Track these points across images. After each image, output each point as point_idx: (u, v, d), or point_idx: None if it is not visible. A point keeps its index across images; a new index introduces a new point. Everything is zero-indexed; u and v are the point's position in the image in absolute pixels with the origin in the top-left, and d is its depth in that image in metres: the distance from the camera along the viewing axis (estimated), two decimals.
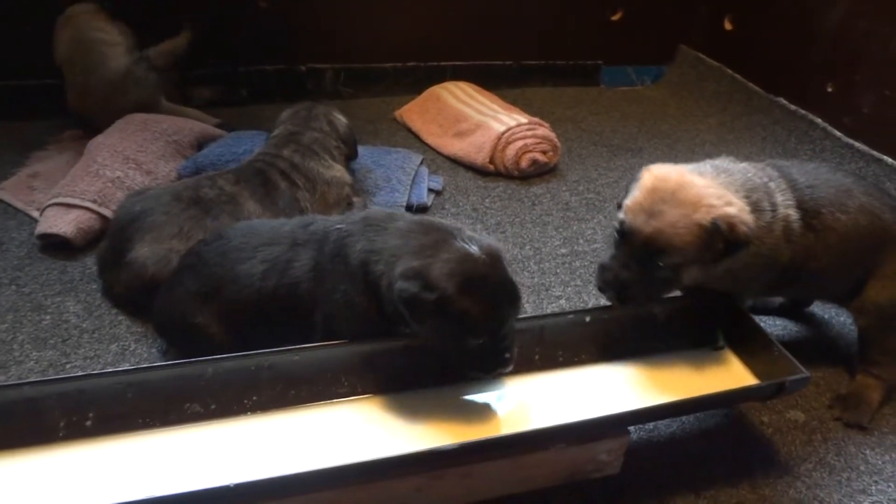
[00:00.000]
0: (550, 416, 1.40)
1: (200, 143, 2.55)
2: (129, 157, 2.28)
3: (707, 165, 1.58)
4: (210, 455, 1.29)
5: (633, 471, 1.45)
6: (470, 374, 1.39)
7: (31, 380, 1.43)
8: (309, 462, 1.20)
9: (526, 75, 3.58)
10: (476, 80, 3.25)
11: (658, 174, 1.49)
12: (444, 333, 1.31)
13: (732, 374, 1.55)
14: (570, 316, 1.58)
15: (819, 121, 2.96)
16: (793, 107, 3.10)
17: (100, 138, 2.36)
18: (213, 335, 1.56)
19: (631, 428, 1.44)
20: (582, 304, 2.00)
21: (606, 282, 1.49)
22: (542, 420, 1.38)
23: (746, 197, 1.50)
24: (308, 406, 1.41)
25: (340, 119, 2.27)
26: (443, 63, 3.44)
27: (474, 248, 1.30)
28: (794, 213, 1.56)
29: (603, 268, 1.50)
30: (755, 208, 1.50)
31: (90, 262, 2.01)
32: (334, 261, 1.43)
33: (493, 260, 1.31)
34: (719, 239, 1.42)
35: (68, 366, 1.69)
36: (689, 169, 1.54)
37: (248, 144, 2.38)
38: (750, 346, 1.57)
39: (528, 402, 1.45)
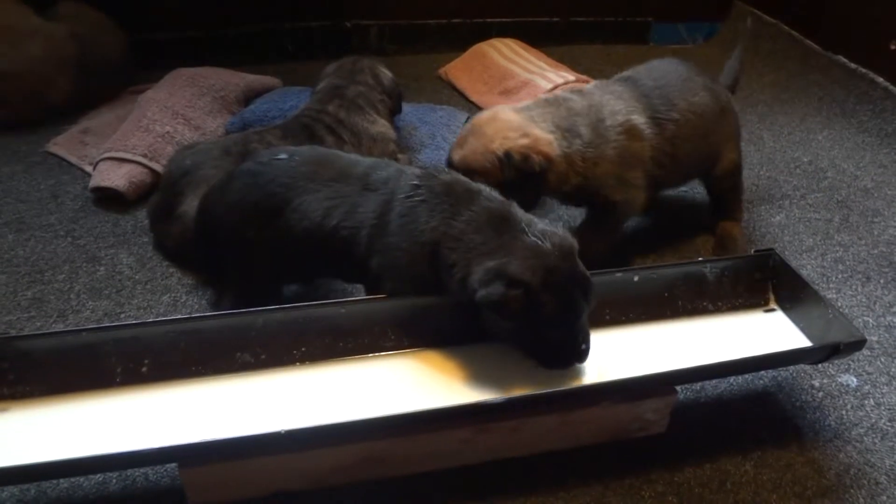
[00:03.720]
0: (597, 373, 1.39)
1: (247, 99, 2.56)
2: (178, 112, 2.30)
3: (533, 101, 1.83)
4: (260, 403, 1.32)
5: (680, 430, 1.44)
6: (546, 369, 1.37)
7: (90, 326, 1.47)
8: (356, 412, 1.22)
9: (573, 32, 3.50)
10: (522, 36, 3.19)
11: (479, 114, 1.79)
12: (524, 328, 1.31)
13: (784, 336, 1.52)
14: (618, 274, 1.56)
15: (880, 80, 2.83)
16: (852, 65, 2.97)
17: (149, 94, 2.39)
18: (257, 257, 1.54)
19: (678, 388, 1.43)
20: (628, 263, 1.97)
21: None
22: (588, 377, 1.37)
23: (557, 126, 1.72)
24: (355, 358, 1.42)
25: (385, 73, 2.25)
26: (488, 19, 3.38)
27: (547, 245, 1.30)
28: (638, 118, 1.80)
29: None
30: (567, 135, 1.72)
31: (141, 216, 2.05)
32: (403, 219, 1.40)
33: (565, 254, 1.31)
34: (512, 168, 1.63)
35: (122, 315, 1.73)
36: (512, 107, 1.78)
37: (294, 100, 2.39)
38: (803, 308, 1.54)
39: None
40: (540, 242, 1.30)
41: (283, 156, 1.55)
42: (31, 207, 2.12)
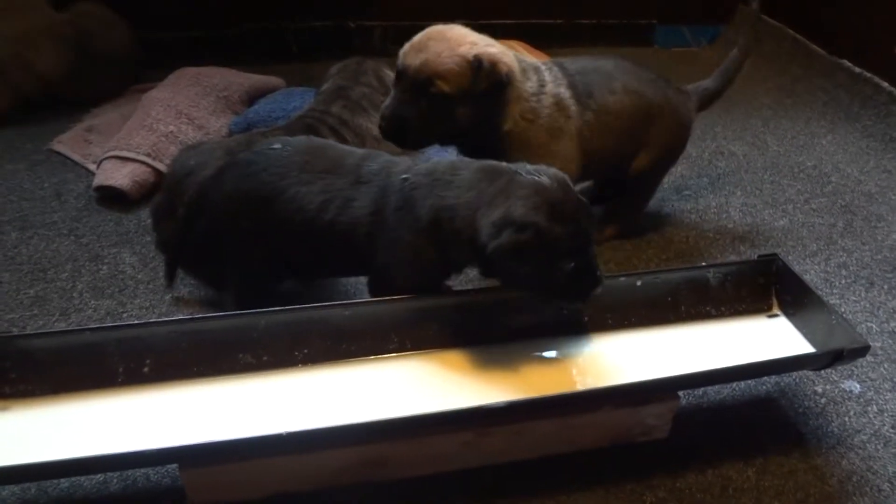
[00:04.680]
0: (599, 378, 1.39)
1: (251, 99, 2.56)
2: (182, 111, 2.30)
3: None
4: (262, 404, 1.32)
5: (682, 436, 1.43)
6: (568, 304, 1.44)
7: (92, 325, 1.47)
8: (358, 415, 1.22)
9: (577, 34, 3.50)
10: (526, 38, 3.19)
11: (432, 27, 1.69)
12: (541, 268, 1.30)
13: (787, 341, 1.51)
14: (621, 279, 1.56)
15: (885, 84, 2.82)
16: (857, 69, 2.97)
17: (153, 93, 2.39)
18: (254, 249, 1.53)
19: (680, 393, 1.43)
20: (632, 268, 1.97)
21: (384, 118, 1.63)
22: (591, 382, 1.37)
23: (517, 62, 1.69)
24: (357, 360, 1.42)
25: (389, 74, 2.25)
26: (492, 21, 3.37)
27: (544, 179, 1.31)
28: (565, 92, 1.78)
29: (383, 109, 1.65)
30: (523, 74, 1.70)
31: (144, 215, 2.05)
32: (400, 212, 1.40)
33: (563, 185, 1.33)
34: (482, 75, 1.58)
35: (125, 315, 1.73)
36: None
37: (298, 101, 2.39)
38: (806, 313, 1.53)
39: (577, 364, 1.44)
40: (537, 178, 1.31)
41: (276, 145, 1.54)
42: (34, 205, 2.13)
